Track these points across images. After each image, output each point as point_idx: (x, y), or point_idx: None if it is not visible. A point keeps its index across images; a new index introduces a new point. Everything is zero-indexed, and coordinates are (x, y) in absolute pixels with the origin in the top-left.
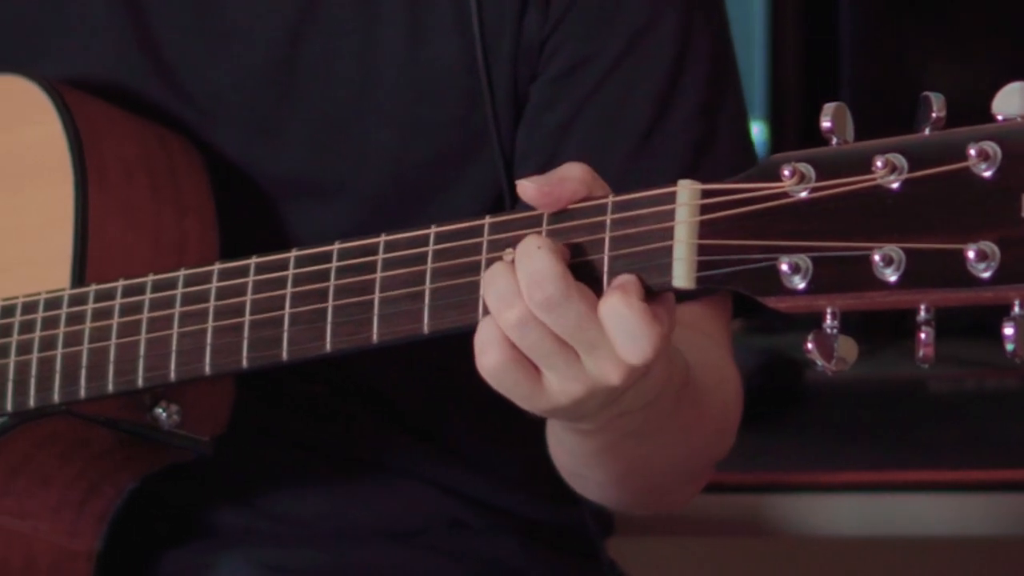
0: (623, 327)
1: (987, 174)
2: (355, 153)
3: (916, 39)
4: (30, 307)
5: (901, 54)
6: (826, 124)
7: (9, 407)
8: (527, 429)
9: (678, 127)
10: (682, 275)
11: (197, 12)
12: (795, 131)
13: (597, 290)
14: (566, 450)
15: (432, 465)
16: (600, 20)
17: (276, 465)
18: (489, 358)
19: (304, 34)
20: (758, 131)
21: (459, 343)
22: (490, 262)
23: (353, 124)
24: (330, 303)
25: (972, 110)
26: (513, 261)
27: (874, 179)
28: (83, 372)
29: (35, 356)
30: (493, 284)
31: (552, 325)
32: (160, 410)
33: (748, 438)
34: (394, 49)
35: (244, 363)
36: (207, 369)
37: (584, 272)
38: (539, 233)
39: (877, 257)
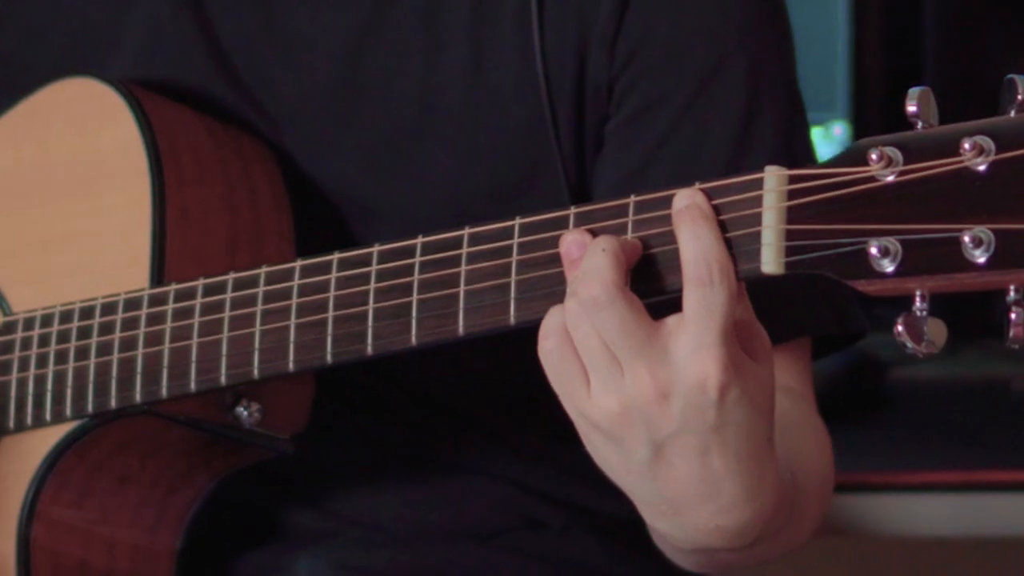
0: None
1: None
2: (412, 175)
3: (1000, 34)
4: (109, 308)
5: (985, 50)
6: (911, 108)
7: (90, 408)
8: None
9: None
10: (771, 260)
11: (263, 19)
12: (878, 129)
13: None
14: (677, 552)
15: (506, 463)
16: (669, 60)
17: (351, 467)
18: (548, 343)
19: (367, 50)
20: (841, 130)
21: (523, 342)
22: None
23: (411, 146)
24: (414, 297)
25: None
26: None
27: (961, 161)
28: (165, 371)
29: (115, 357)
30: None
31: (596, 326)
32: (241, 409)
33: (831, 439)
34: (456, 74)
35: (328, 359)
36: (291, 366)
37: (667, 259)
38: (616, 235)
39: (966, 239)
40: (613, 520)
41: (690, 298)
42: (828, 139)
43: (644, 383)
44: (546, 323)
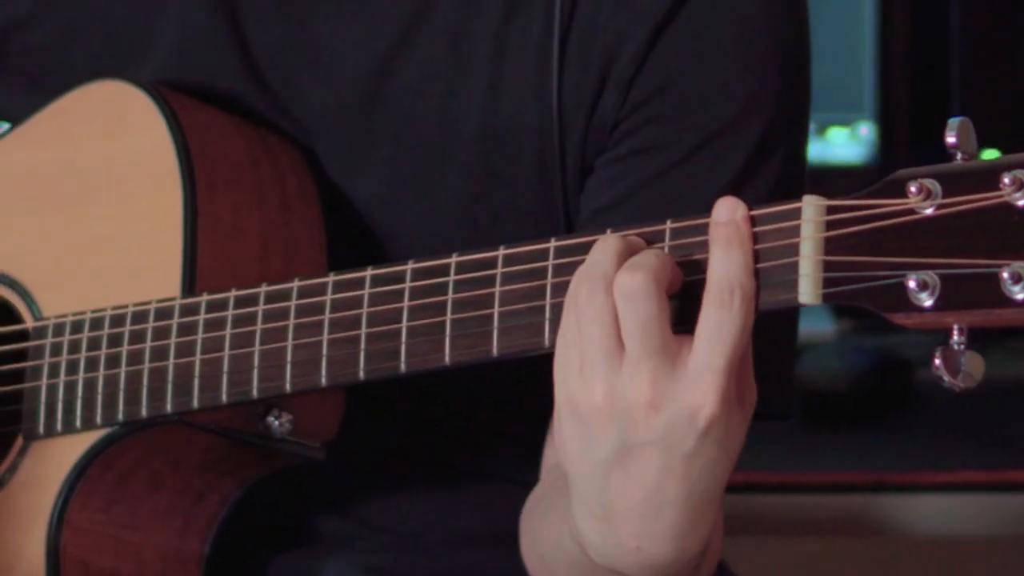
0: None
1: None
2: (429, 197)
3: None
4: (140, 317)
5: (1012, 50)
6: (951, 140)
7: (120, 417)
8: None
9: None
10: (808, 291)
11: (293, 29)
12: (905, 131)
13: None
14: (567, 564)
15: (531, 470)
16: (681, 112)
17: (377, 473)
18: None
19: (393, 69)
20: (867, 130)
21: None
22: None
23: (430, 168)
24: (448, 316)
25: None
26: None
27: (1001, 196)
28: (196, 383)
29: (146, 367)
30: (601, 249)
31: (622, 313)
32: (272, 418)
33: (857, 438)
34: (475, 101)
35: (361, 375)
36: (323, 380)
37: (691, 289)
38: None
39: (1006, 274)
40: None
41: (706, 318)
42: (855, 139)
43: (641, 386)
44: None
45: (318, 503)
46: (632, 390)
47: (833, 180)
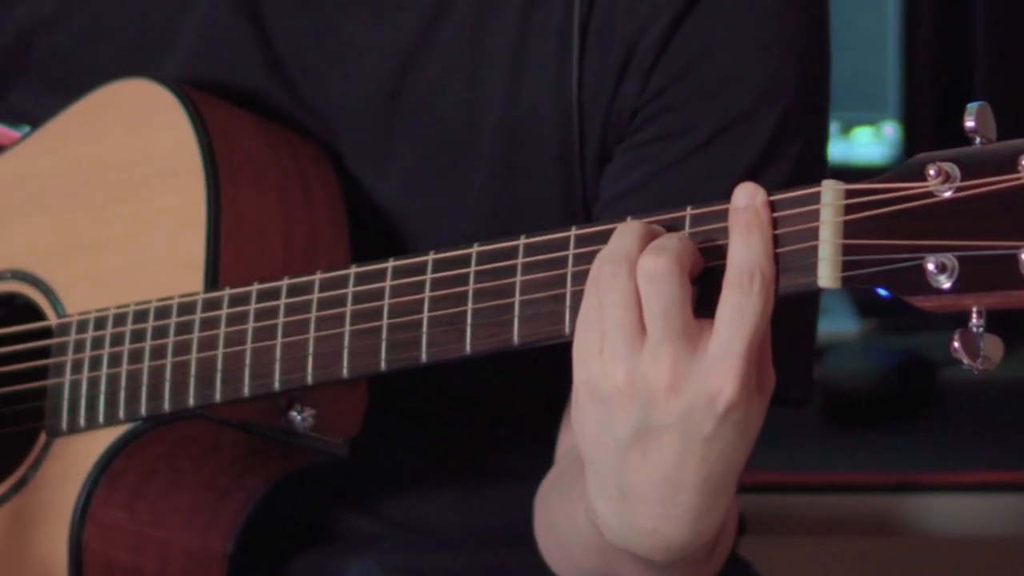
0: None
1: None
2: (452, 191)
3: None
4: (163, 312)
5: None
6: (969, 124)
7: (143, 411)
8: None
9: None
10: (827, 275)
11: (316, 27)
12: (930, 129)
13: None
14: (582, 547)
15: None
16: (701, 99)
17: (403, 471)
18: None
19: (415, 65)
20: (892, 130)
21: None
22: None
23: (453, 162)
24: (469, 306)
25: None
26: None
27: (1019, 178)
28: (218, 376)
29: (169, 361)
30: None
31: (645, 295)
32: (295, 413)
33: (882, 438)
34: (496, 93)
35: (383, 366)
36: (345, 372)
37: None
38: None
39: (1023, 256)
40: None
41: (726, 303)
42: (879, 139)
43: (663, 369)
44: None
45: (343, 500)
46: (653, 373)
47: (857, 180)
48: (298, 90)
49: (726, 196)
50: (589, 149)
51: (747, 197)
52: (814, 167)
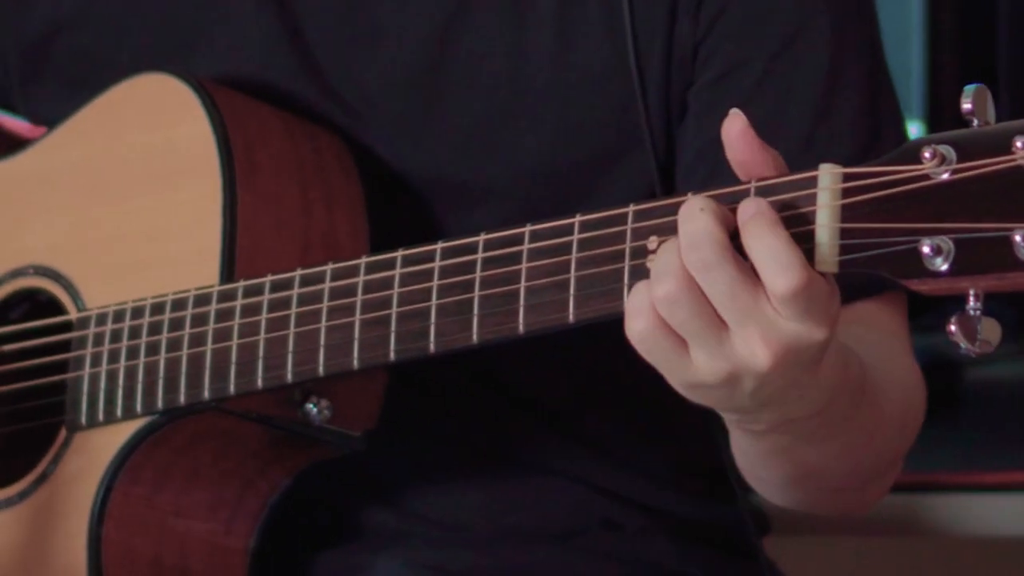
0: (769, 253)
1: None
2: (505, 156)
3: None
4: (179, 304)
5: None
6: (967, 106)
7: (160, 405)
8: (677, 427)
9: (842, 129)
10: (825, 259)
11: (345, 12)
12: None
13: None
14: (740, 450)
15: (583, 464)
16: (751, 23)
17: (429, 466)
18: (638, 323)
19: (453, 36)
20: (916, 130)
21: (607, 341)
22: (634, 250)
23: (503, 127)
24: (476, 294)
25: None
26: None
27: (1014, 159)
28: (232, 368)
29: (184, 353)
30: (656, 258)
31: (706, 288)
32: (311, 405)
33: None
34: (543, 52)
35: (392, 356)
36: (355, 363)
37: None
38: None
39: (1018, 238)
40: (690, 523)
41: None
42: None
43: (757, 347)
44: (632, 302)
45: (369, 495)
46: (751, 355)
47: None
48: (326, 79)
49: (813, 112)
50: (652, 98)
51: (751, 207)
52: (882, 79)
